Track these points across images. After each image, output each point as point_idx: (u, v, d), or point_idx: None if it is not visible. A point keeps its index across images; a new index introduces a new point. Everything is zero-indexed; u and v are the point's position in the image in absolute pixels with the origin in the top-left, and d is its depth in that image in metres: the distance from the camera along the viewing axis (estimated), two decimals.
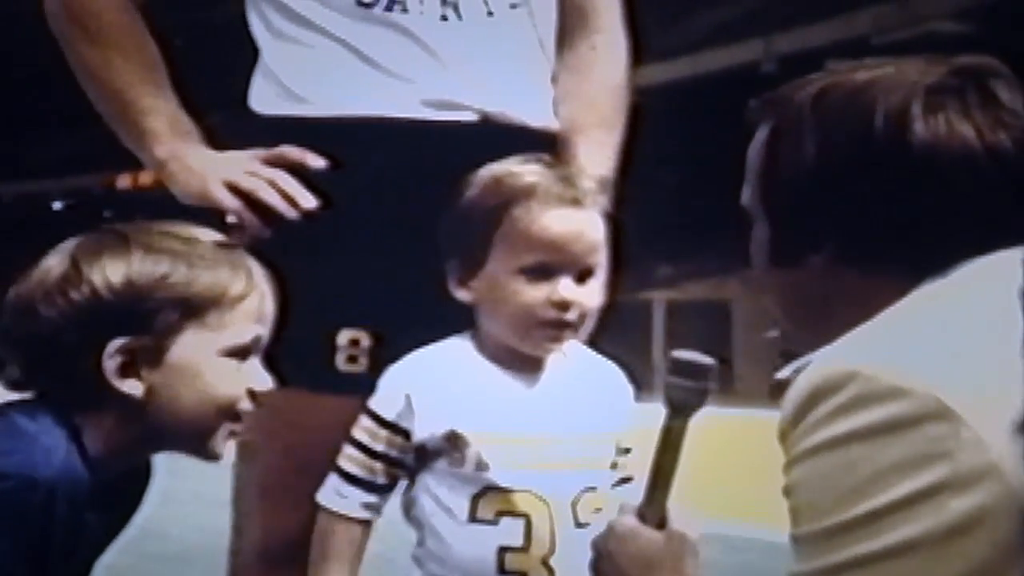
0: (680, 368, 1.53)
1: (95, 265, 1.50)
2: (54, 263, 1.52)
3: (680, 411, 1.53)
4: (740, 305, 26.37)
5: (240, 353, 1.55)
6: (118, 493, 1.57)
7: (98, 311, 1.48)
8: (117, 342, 1.48)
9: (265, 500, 1.92)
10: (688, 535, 1.53)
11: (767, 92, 1.39)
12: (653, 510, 1.53)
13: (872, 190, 1.26)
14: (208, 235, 1.58)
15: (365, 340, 1.88)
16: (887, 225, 1.26)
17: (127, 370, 1.49)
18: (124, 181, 41.14)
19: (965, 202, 1.25)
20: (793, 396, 1.18)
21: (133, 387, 1.49)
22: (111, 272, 1.49)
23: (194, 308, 1.51)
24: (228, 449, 1.59)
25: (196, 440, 1.56)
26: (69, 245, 1.54)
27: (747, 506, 8.11)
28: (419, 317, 1.81)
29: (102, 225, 1.59)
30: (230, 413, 1.56)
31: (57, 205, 43.99)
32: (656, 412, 1.55)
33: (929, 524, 1.09)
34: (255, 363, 1.58)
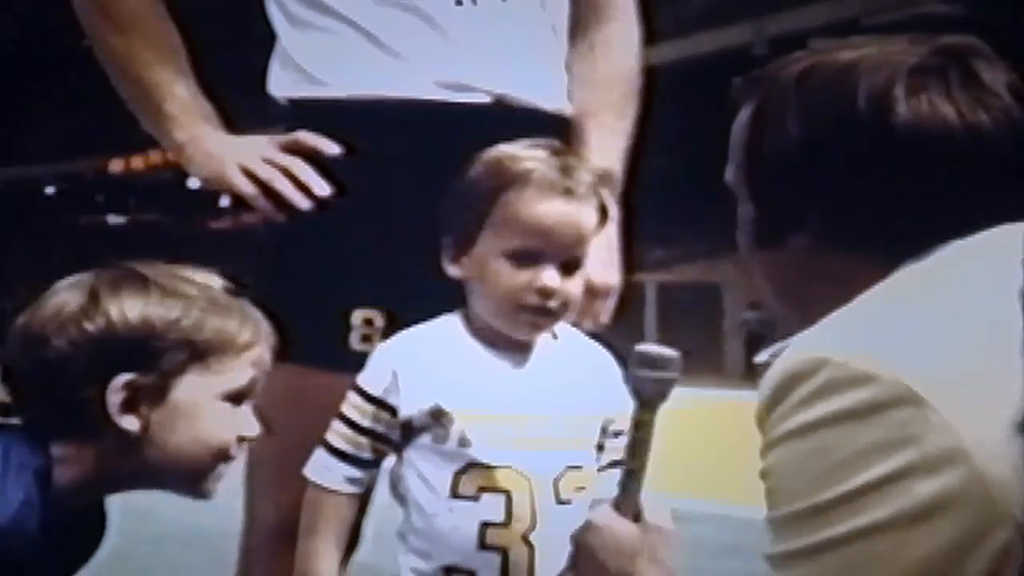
0: (646, 361, 1.55)
1: (114, 299, 1.52)
2: (71, 296, 1.53)
3: (648, 403, 1.55)
4: (731, 287, 26.41)
5: (236, 397, 1.58)
6: (72, 542, 1.57)
7: (110, 345, 1.50)
8: (124, 377, 1.50)
9: (279, 478, 1.95)
10: (664, 526, 1.55)
11: (752, 71, 1.40)
12: (628, 502, 1.55)
13: (854, 170, 1.27)
14: (219, 282, 1.62)
15: (379, 320, 1.91)
16: (869, 205, 1.27)
17: (128, 406, 1.51)
18: (116, 166, 41.06)
19: (946, 182, 1.25)
20: (768, 382, 1.20)
21: (131, 423, 1.51)
22: (128, 308, 1.52)
23: (200, 351, 1.54)
24: (219, 489, 1.61)
25: (188, 480, 1.58)
26: (88, 278, 1.56)
27: (739, 486, 8.16)
28: (431, 297, 1.84)
29: (120, 263, 1.61)
30: (222, 455, 1.59)
31: (49, 190, 43.90)
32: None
33: (897, 507, 1.10)
34: (247, 410, 1.61)
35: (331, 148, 1.93)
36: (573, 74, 2.08)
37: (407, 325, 1.85)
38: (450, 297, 1.83)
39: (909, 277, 1.23)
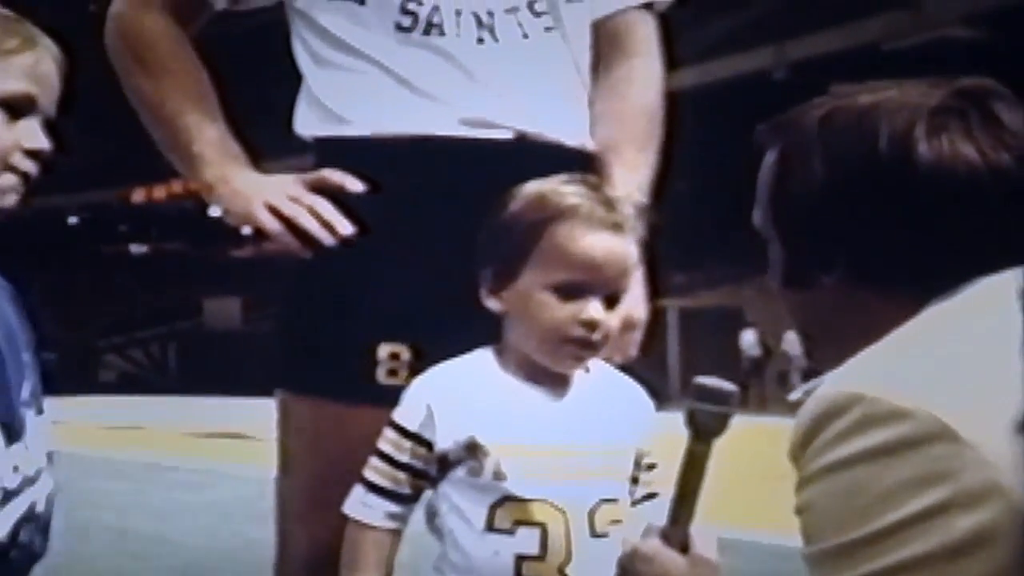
0: (704, 394, 1.55)
1: None
2: None
3: (704, 436, 1.56)
4: (753, 312, 26.36)
5: (9, 105, 1.58)
6: None
7: None
8: None
9: (309, 511, 1.98)
10: (711, 559, 1.55)
11: (775, 116, 1.42)
12: (677, 532, 1.55)
13: (880, 211, 1.29)
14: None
15: (405, 354, 1.94)
16: (896, 244, 1.29)
17: None
18: (139, 195, 41.28)
19: (970, 221, 1.27)
20: (802, 418, 1.22)
21: None
22: None
23: None
24: (9, 201, 1.59)
25: None
26: None
27: (768, 513, 8.12)
28: (457, 331, 1.86)
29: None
30: (3, 165, 1.57)
31: (72, 220, 44.17)
32: (672, 421, 1.56)
33: (936, 542, 1.11)
34: (32, 123, 1.60)
35: (356, 185, 1.96)
36: (596, 109, 2.10)
37: (433, 359, 1.87)
38: (475, 331, 1.85)
39: (939, 314, 1.24)
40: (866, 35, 25.11)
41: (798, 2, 27.12)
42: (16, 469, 1.56)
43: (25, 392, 1.60)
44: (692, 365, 25.99)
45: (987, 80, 1.33)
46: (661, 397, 1.99)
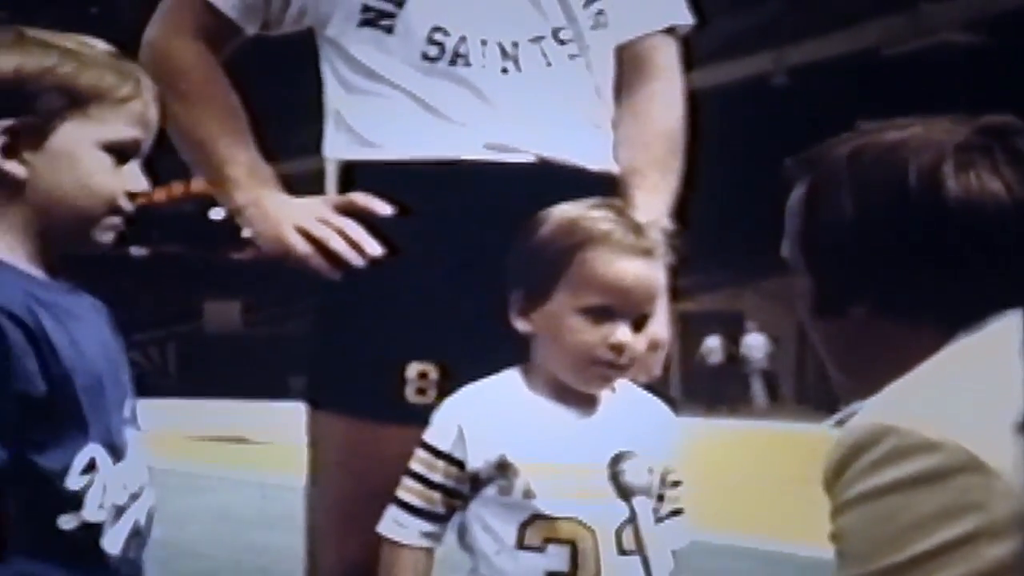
0: None
1: None
2: None
3: None
4: (754, 316, 26.35)
5: (119, 150, 1.64)
6: None
7: None
8: (3, 123, 1.57)
9: (339, 527, 2.03)
10: None
11: (803, 152, 1.46)
12: None
13: (909, 244, 1.33)
14: (103, 45, 1.68)
15: (433, 373, 1.98)
16: (924, 278, 1.33)
17: (10, 151, 1.58)
18: (139, 198, 41.25)
19: (997, 256, 1.32)
20: (835, 449, 1.27)
21: (15, 167, 1.59)
22: (3, 60, 1.59)
23: (78, 98, 1.61)
24: (108, 238, 1.67)
25: (78, 229, 1.64)
26: None
27: (766, 518, 8.13)
28: (483, 351, 1.91)
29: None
30: (110, 207, 1.64)
31: None
32: (685, 424, 1.59)
33: (964, 570, 1.17)
34: (134, 167, 1.67)
35: (384, 208, 2.01)
36: (618, 133, 2.15)
37: (460, 378, 1.91)
38: (502, 351, 1.90)
39: (967, 348, 1.29)
40: (865, 40, 25.11)
41: (797, 7, 27.14)
42: (124, 487, 1.62)
43: (127, 411, 1.66)
44: (692, 369, 26.01)
45: (1009, 117, 1.38)
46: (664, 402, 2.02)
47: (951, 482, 1.17)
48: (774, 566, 6.37)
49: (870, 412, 1.26)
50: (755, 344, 26.13)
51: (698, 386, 25.56)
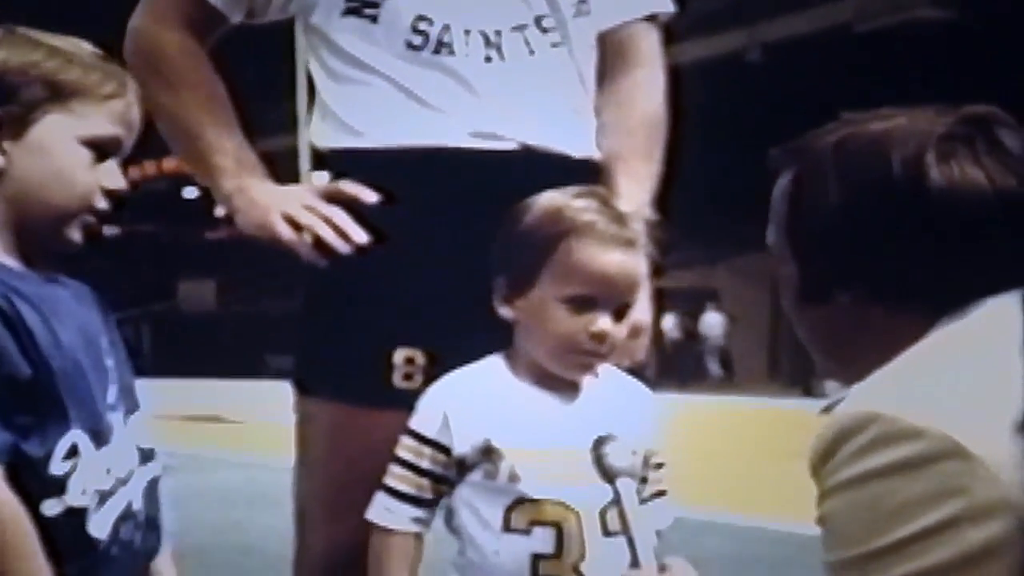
0: None
1: None
2: None
3: None
4: (727, 293, 26.46)
5: (99, 147, 1.66)
6: None
7: None
8: None
9: (327, 511, 2.05)
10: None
11: (790, 143, 1.49)
12: None
13: (893, 231, 1.36)
14: (90, 47, 1.70)
15: (420, 358, 2.00)
16: (908, 264, 1.37)
17: None
18: None
19: (979, 243, 1.35)
20: (821, 435, 1.30)
21: None
22: None
23: (61, 92, 1.63)
24: (79, 237, 1.68)
25: (52, 224, 1.65)
26: None
27: (738, 494, 8.19)
28: (469, 336, 1.94)
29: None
30: (85, 203, 1.66)
31: None
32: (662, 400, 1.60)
33: (949, 553, 1.20)
34: (113, 164, 1.69)
35: (370, 196, 2.02)
36: (601, 120, 2.16)
37: (446, 363, 1.94)
38: (487, 336, 1.92)
39: (949, 336, 1.32)
40: (838, 16, 25.18)
41: None
42: (108, 471, 1.63)
43: (111, 396, 1.67)
44: (664, 346, 26.08)
45: (990, 108, 1.41)
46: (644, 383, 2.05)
47: (934, 468, 1.20)
48: (745, 541, 6.42)
49: (856, 399, 1.29)
50: (712, 323, 26.62)
51: (656, 362, 25.67)
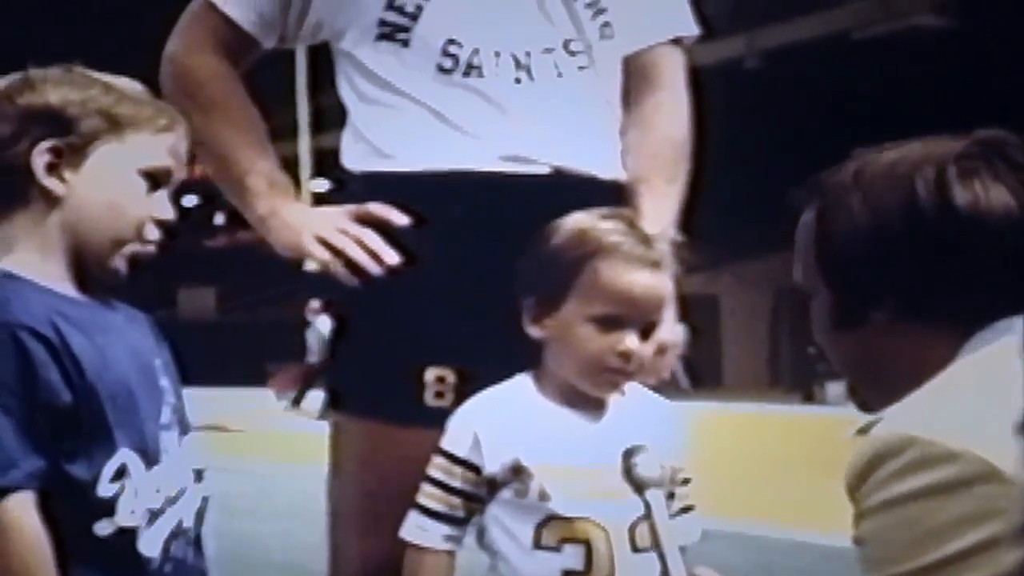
0: None
1: (41, 82, 1.70)
2: (9, 80, 1.72)
3: None
4: (728, 300, 26.44)
5: (152, 177, 1.73)
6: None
7: (35, 115, 1.68)
8: (48, 142, 1.67)
9: (362, 529, 2.09)
10: None
11: (809, 180, 1.52)
12: None
13: (922, 250, 1.40)
14: (141, 86, 1.78)
15: (451, 377, 2.05)
16: (939, 279, 1.40)
17: (51, 169, 1.68)
18: None
19: (1007, 258, 1.39)
20: (858, 456, 1.33)
21: (55, 185, 1.68)
22: (52, 87, 1.70)
23: (117, 124, 1.71)
24: (124, 268, 1.74)
25: (105, 251, 1.72)
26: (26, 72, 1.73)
27: (748, 501, 8.19)
28: (499, 356, 1.98)
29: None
30: (137, 232, 1.73)
31: None
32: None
33: (985, 575, 1.23)
34: (164, 195, 1.76)
35: (400, 218, 2.06)
36: (626, 141, 2.20)
37: (477, 382, 1.98)
38: (516, 356, 1.97)
39: (984, 358, 1.36)
40: (837, 24, 25.17)
41: None
42: (158, 491, 1.68)
43: (164, 416, 1.73)
44: None
45: (1001, 131, 1.45)
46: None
47: (971, 491, 1.24)
48: (762, 552, 6.43)
49: (892, 421, 1.33)
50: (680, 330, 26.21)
51: None
